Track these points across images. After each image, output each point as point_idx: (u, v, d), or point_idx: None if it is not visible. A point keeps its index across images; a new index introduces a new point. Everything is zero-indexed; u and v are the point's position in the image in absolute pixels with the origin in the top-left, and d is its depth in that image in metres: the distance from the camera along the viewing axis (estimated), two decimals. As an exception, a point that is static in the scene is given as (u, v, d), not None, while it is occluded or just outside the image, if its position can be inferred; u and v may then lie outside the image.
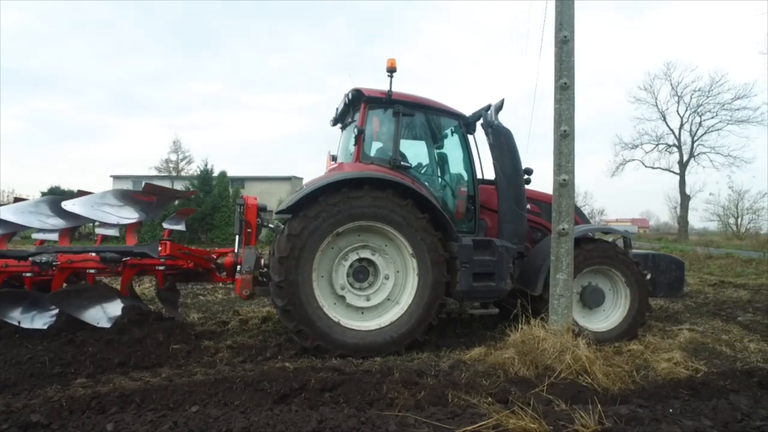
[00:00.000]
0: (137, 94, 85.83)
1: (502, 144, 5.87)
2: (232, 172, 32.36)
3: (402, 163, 5.49)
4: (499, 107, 6.02)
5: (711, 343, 5.57)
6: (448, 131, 6.20)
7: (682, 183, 41.60)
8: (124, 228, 6.21)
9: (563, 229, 4.83)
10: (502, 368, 4.25)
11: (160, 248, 5.53)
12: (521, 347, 4.50)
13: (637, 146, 42.70)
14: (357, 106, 5.69)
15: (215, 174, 30.14)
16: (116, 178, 39.99)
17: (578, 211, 7.05)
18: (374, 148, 5.80)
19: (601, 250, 5.72)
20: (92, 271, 5.48)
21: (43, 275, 5.42)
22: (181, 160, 47.32)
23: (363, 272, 5.14)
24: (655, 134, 42.19)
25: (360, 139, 5.50)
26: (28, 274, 5.34)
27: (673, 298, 8.33)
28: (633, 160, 43.11)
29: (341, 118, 6.48)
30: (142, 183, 5.87)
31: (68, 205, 5.68)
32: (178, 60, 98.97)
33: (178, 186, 30.50)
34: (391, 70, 5.42)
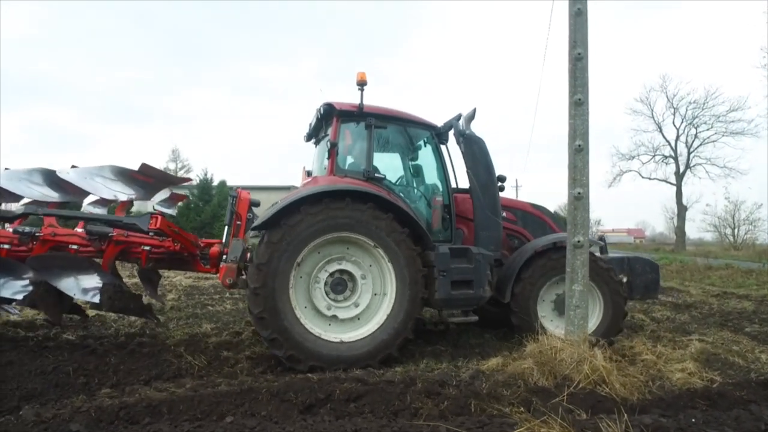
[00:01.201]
0: (135, 103, 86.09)
1: (475, 153, 6.00)
2: (231, 182, 32.45)
3: (376, 174, 5.53)
4: (471, 116, 6.14)
5: (722, 353, 5.66)
6: (421, 142, 6.28)
7: (679, 194, 41.93)
8: (114, 208, 6.12)
9: (578, 241, 4.92)
10: (521, 378, 4.32)
11: (151, 221, 5.32)
12: (539, 357, 4.57)
13: (634, 157, 43.08)
14: (329, 120, 5.73)
15: (215, 183, 30.24)
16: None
17: (554, 218, 7.18)
18: (347, 160, 5.83)
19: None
20: (74, 247, 5.38)
21: (22, 247, 5.27)
22: (180, 169, 47.36)
23: (341, 284, 5.12)
24: (652, 145, 42.61)
25: (333, 152, 5.53)
26: (6, 246, 5.19)
27: (649, 300, 8.58)
28: (630, 171, 43.47)
29: (314, 133, 6.49)
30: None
31: (63, 173, 5.57)
32: (176, 69, 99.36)
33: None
34: (362, 84, 5.48)
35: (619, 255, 7.12)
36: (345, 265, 5.12)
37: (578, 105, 4.96)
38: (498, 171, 6.14)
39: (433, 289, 5.28)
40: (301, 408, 3.64)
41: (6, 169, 5.60)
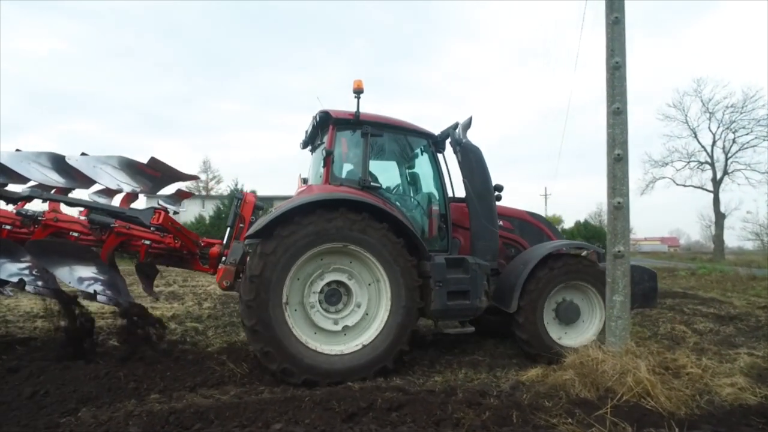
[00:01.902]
0: (165, 115, 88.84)
1: (472, 161, 5.94)
2: (262, 192, 33.06)
3: (372, 183, 5.49)
4: (468, 125, 6.08)
5: (774, 368, 5.44)
6: (418, 150, 6.24)
7: (716, 201, 40.53)
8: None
9: (619, 251, 4.86)
10: (562, 389, 4.27)
11: (154, 216, 5.31)
12: (580, 369, 4.51)
13: (667, 164, 41.92)
14: (325, 128, 5.70)
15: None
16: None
17: (550, 226, 7.09)
18: (343, 169, 5.82)
19: (571, 265, 5.83)
20: (75, 234, 5.38)
21: (23, 230, 5.28)
22: (211, 179, 48.56)
23: (335, 295, 5.00)
24: (686, 151, 41.39)
25: (329, 160, 5.49)
26: (8, 227, 5.24)
27: (648, 309, 8.24)
28: (663, 177, 42.29)
29: (310, 141, 6.46)
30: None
31: (71, 159, 5.57)
32: (204, 81, 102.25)
33: (209, 205, 31.24)
34: (358, 92, 5.44)
35: None
36: (340, 276, 4.99)
37: (617, 114, 4.92)
38: (495, 180, 6.09)
39: (429, 300, 5.19)
40: (344, 416, 3.68)
41: (17, 150, 5.56)
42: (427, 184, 6.18)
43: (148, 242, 5.66)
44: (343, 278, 5.01)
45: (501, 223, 6.29)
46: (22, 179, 5.33)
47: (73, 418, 3.62)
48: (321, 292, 4.95)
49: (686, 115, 41.20)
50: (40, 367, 4.68)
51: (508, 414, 3.68)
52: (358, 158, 5.59)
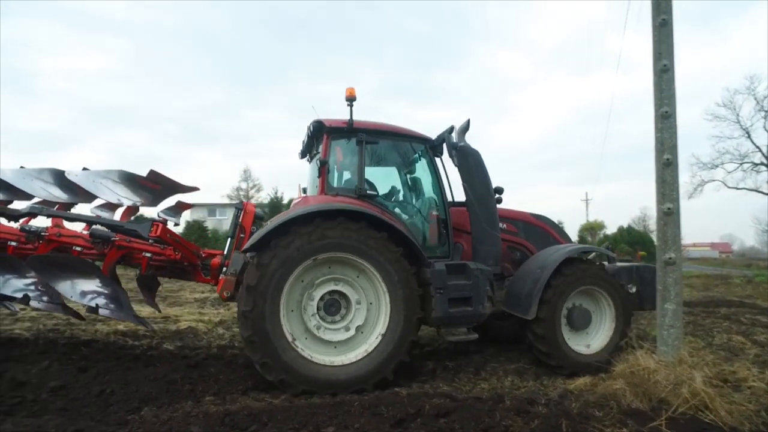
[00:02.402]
0: (204, 125, 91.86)
1: (470, 165, 5.83)
2: (300, 200, 33.61)
3: (368, 191, 5.43)
4: (465, 128, 5.97)
5: None
6: (415, 156, 6.13)
7: (773, 204, 38.38)
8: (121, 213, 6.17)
9: (670, 258, 4.73)
10: (613, 399, 4.19)
11: (152, 229, 5.37)
12: (630, 378, 4.41)
13: (717, 166, 39.98)
14: (320, 137, 5.64)
15: (285, 201, 31.58)
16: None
17: (556, 227, 6.89)
18: (339, 178, 5.79)
19: (585, 269, 5.70)
20: (78, 248, 5.49)
21: (28, 246, 5.38)
22: (251, 187, 49.75)
23: (334, 305, 4.91)
24: (739, 153, 39.33)
25: (324, 170, 5.43)
26: (13, 243, 5.36)
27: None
28: (713, 180, 40.37)
29: (307, 151, 6.38)
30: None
31: (71, 174, 5.64)
32: (241, 91, 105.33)
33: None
34: (351, 99, 5.38)
35: (626, 264, 6.79)
36: (338, 286, 4.93)
37: (665, 118, 4.81)
38: (495, 182, 5.99)
39: (430, 308, 5.09)
40: (392, 422, 3.73)
41: (21, 167, 5.69)
42: (426, 190, 6.08)
43: (148, 255, 5.74)
44: (342, 288, 4.95)
45: (504, 226, 6.19)
46: (27, 196, 5.50)
47: (137, 416, 3.84)
48: (319, 302, 4.89)
49: (738, 115, 39.27)
50: (106, 367, 4.99)
51: (557, 423, 3.64)
52: (354, 167, 5.55)
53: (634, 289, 6.20)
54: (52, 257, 5.38)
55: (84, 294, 5.09)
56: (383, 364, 4.79)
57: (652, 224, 52.45)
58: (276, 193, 32.44)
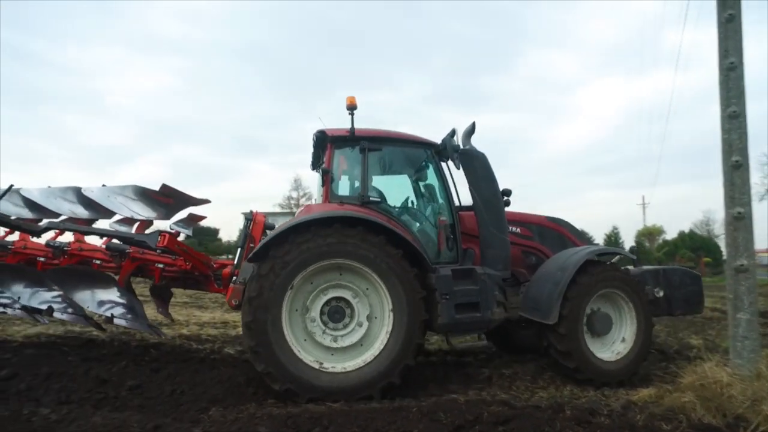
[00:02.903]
0: (257, 137, 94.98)
1: (476, 168, 5.69)
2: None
3: (372, 198, 5.39)
4: (470, 131, 5.83)
5: None
6: (420, 161, 5.99)
7: None
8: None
9: (742, 265, 4.49)
10: (681, 412, 4.00)
11: (159, 239, 5.55)
12: (701, 392, 4.20)
13: (791, 165, 37.17)
14: (324, 147, 5.66)
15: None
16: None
17: (574, 230, 6.55)
18: (344, 186, 5.75)
19: (607, 272, 5.49)
20: (98, 261, 5.81)
21: (55, 261, 5.77)
22: (302, 196, 50.84)
23: (338, 312, 4.87)
24: (815, 150, 36.45)
25: (327, 179, 5.46)
26: (42, 258, 5.74)
27: (693, 315, 7.64)
28: (787, 180, 37.52)
29: (315, 162, 6.40)
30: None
31: (87, 190, 5.91)
32: (293, 102, 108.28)
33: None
34: (351, 108, 5.37)
35: (653, 267, 6.48)
36: (340, 292, 4.91)
37: (733, 118, 4.59)
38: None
39: (436, 314, 4.99)
40: (451, 428, 3.74)
41: (48, 187, 6.05)
42: (433, 195, 6.02)
43: (161, 266, 5.96)
44: (344, 294, 4.92)
45: (518, 230, 6.05)
46: (53, 214, 5.85)
47: (205, 416, 4.05)
48: (322, 309, 4.87)
49: (813, 110, 36.45)
50: (175, 369, 5.30)
51: (622, 435, 3.55)
52: (358, 174, 5.54)
53: (661, 293, 5.95)
54: (70, 269, 5.74)
55: (101, 304, 5.41)
56: (389, 369, 4.73)
57: (717, 228, 49.47)
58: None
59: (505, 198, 5.95)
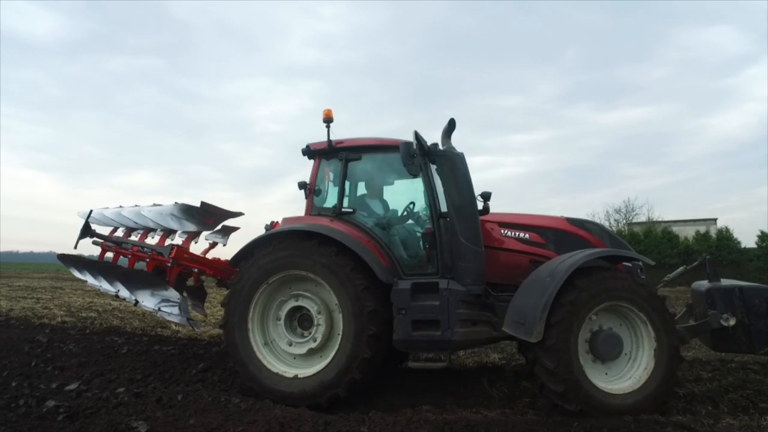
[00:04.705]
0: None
1: (446, 171, 5.04)
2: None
3: (344, 209, 5.39)
4: (448, 129, 5.25)
5: None
6: (400, 166, 5.18)
7: None
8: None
9: None
10: None
11: (171, 251, 6.44)
12: None
13: None
14: (313, 160, 5.80)
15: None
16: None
17: (601, 233, 5.38)
18: (331, 198, 5.64)
19: (607, 281, 4.38)
20: (169, 265, 6.59)
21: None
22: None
23: (299, 321, 5.15)
24: None
25: (310, 191, 5.65)
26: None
27: None
28: None
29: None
30: None
31: (145, 210, 7.10)
32: (421, 113, 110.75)
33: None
34: (328, 120, 5.46)
35: (726, 283, 4.85)
36: (301, 302, 5.13)
37: None
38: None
39: (392, 329, 4.82)
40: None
41: (137, 205, 7.44)
42: (416, 201, 5.68)
43: (196, 270, 6.75)
44: (305, 304, 5.13)
45: (527, 236, 5.17)
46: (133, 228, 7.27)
47: (366, 417, 4.31)
48: (285, 318, 5.16)
49: None
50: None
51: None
52: (337, 185, 5.56)
53: (732, 322, 4.57)
54: (135, 272, 6.92)
55: (153, 296, 6.46)
56: (335, 380, 4.78)
57: None
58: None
59: (484, 203, 5.25)
